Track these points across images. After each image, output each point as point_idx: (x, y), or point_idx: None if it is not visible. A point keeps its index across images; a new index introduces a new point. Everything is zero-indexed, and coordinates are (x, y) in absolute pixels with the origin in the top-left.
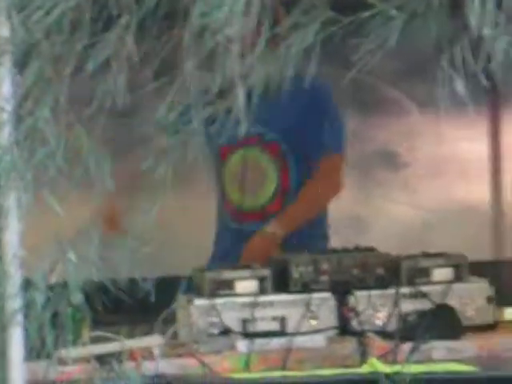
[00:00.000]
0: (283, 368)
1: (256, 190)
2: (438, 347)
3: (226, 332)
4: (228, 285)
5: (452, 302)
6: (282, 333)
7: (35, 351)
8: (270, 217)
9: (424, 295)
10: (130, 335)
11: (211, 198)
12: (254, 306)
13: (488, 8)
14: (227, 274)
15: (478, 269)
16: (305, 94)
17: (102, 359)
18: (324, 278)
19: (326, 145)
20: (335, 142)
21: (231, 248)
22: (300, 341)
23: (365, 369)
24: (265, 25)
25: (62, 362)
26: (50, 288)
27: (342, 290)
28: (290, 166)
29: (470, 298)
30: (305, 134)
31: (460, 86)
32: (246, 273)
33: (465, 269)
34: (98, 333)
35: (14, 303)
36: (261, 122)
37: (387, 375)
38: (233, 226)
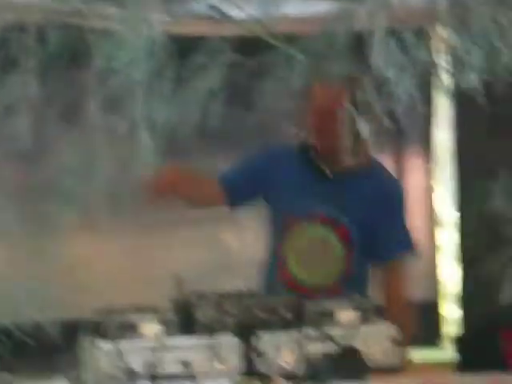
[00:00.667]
0: None
1: (321, 269)
2: None
3: (130, 375)
4: (133, 327)
5: (357, 344)
6: (187, 376)
7: None
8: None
9: (329, 337)
10: (34, 378)
11: (115, 243)
12: (159, 349)
13: (390, 49)
14: (132, 317)
15: (383, 311)
16: (382, 191)
17: None
18: (229, 319)
19: (399, 244)
20: (407, 242)
21: None
22: None
23: None
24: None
25: None
26: None
27: (247, 332)
28: (355, 254)
29: (375, 340)
30: (376, 230)
31: (364, 127)
32: (150, 316)
33: (370, 311)
34: (2, 376)
35: None
36: (333, 204)
37: None
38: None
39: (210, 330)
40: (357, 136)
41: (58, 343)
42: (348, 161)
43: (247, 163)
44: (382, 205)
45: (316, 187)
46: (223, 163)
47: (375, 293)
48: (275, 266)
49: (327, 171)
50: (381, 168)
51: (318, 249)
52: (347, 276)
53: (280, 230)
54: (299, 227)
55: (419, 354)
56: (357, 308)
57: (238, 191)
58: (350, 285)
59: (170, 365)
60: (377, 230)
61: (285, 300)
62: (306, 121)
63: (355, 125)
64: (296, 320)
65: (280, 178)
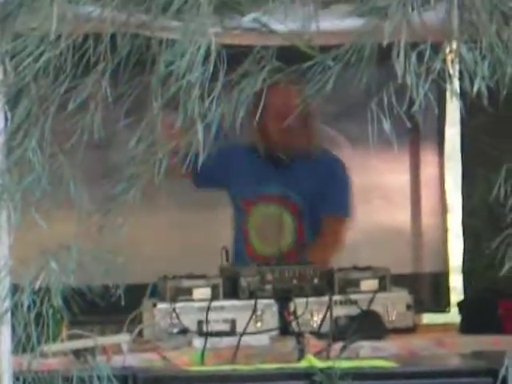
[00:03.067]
0: (233, 362)
1: (276, 241)
2: (365, 346)
3: (184, 331)
4: (186, 291)
5: (377, 308)
6: (231, 333)
7: (21, 346)
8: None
9: (353, 302)
10: (102, 333)
11: (172, 218)
12: (208, 310)
13: (411, 60)
14: (186, 282)
15: (400, 280)
16: (324, 167)
17: (77, 353)
18: (268, 286)
19: (336, 209)
20: (345, 208)
21: None
22: (247, 340)
23: (302, 364)
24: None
25: (44, 355)
26: (35, 292)
27: (283, 297)
28: (304, 223)
29: (392, 305)
30: (322, 197)
31: (386, 125)
32: (201, 281)
33: (388, 280)
34: (75, 331)
35: (3, 305)
36: (285, 185)
37: (321, 369)
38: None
39: (252, 294)
40: (305, 127)
41: (124, 304)
42: (297, 147)
43: (213, 156)
44: (326, 179)
45: (267, 173)
46: None
47: None
48: (241, 242)
49: (278, 158)
50: (325, 151)
51: (272, 224)
52: (298, 244)
53: (241, 212)
54: (256, 208)
55: (430, 319)
56: (377, 277)
57: (204, 174)
58: (301, 253)
59: (218, 323)
60: (321, 198)
61: (317, 270)
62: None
63: (306, 120)
64: (326, 287)
65: (237, 170)
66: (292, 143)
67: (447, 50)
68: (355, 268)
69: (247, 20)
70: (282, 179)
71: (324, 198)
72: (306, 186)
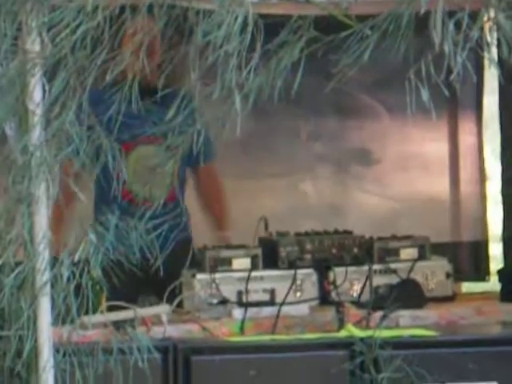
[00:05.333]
0: (273, 332)
1: (154, 182)
2: (405, 315)
3: (223, 302)
4: (226, 262)
5: (417, 277)
6: (271, 303)
7: (61, 317)
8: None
9: (393, 271)
10: (142, 304)
11: None
12: (248, 280)
13: (449, 28)
14: (225, 253)
15: (439, 249)
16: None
17: (117, 325)
18: (307, 256)
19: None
20: (210, 152)
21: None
22: (287, 309)
23: (342, 333)
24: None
25: (84, 326)
26: (74, 264)
27: (323, 267)
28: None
29: (432, 273)
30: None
31: (425, 94)
32: (241, 251)
33: (427, 249)
34: (115, 302)
35: (43, 277)
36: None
37: (361, 339)
38: (125, 207)
39: (292, 264)
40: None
41: (163, 275)
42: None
43: None
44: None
45: (145, 114)
46: (303, 124)
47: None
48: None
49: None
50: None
51: (150, 165)
52: (176, 184)
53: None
54: (132, 150)
55: (469, 287)
56: (417, 246)
57: None
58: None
59: (257, 293)
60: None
61: (356, 239)
62: None
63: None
64: (365, 256)
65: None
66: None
67: (485, 18)
68: (394, 237)
69: None
70: (157, 119)
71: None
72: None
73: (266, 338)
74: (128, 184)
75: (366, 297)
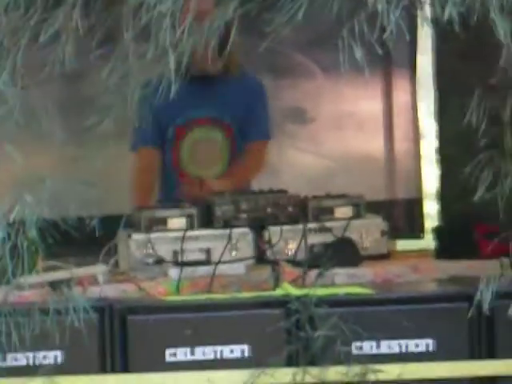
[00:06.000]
0: (209, 292)
1: (211, 163)
2: (340, 273)
3: (159, 262)
4: (161, 221)
5: (352, 235)
6: (207, 262)
7: None
8: None
9: (328, 230)
10: (78, 265)
11: None
12: (183, 239)
13: None
14: (160, 213)
15: (374, 207)
16: (250, 89)
17: (54, 285)
18: (243, 215)
19: (260, 134)
20: (265, 131)
21: None
22: (223, 269)
23: (278, 292)
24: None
25: (20, 287)
26: (9, 225)
27: (258, 226)
28: (237, 144)
29: (367, 232)
30: (248, 121)
31: (358, 53)
32: (176, 211)
33: (362, 207)
34: (51, 262)
35: None
36: (216, 107)
37: (297, 297)
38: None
39: (227, 223)
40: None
41: (98, 235)
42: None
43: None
44: (252, 102)
45: (198, 96)
46: None
47: None
48: (172, 174)
49: (204, 78)
50: (246, 73)
51: (206, 146)
52: (232, 164)
53: (172, 140)
54: (188, 133)
55: (404, 245)
56: (352, 205)
57: (151, 138)
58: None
59: (193, 253)
60: (247, 120)
61: (291, 198)
62: None
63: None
64: (300, 215)
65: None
66: (211, 61)
67: None
68: (329, 196)
69: None
70: (212, 101)
71: (250, 123)
72: (235, 108)
73: (202, 297)
74: (184, 166)
75: (301, 255)
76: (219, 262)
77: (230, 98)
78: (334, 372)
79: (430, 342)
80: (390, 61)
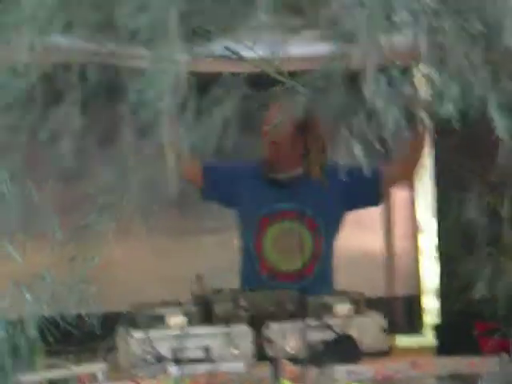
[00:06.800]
0: None
1: (294, 256)
2: (340, 370)
3: (159, 359)
4: (160, 319)
5: (352, 332)
6: (207, 359)
7: None
8: (305, 278)
9: (328, 327)
10: (78, 362)
11: (146, 247)
12: (183, 337)
13: (380, 84)
14: (160, 311)
15: (374, 304)
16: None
17: (53, 383)
18: (242, 312)
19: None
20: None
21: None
22: (223, 367)
23: None
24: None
25: None
26: (9, 323)
27: (258, 323)
28: (322, 237)
29: (367, 328)
30: (337, 215)
31: (357, 149)
32: (175, 309)
33: (362, 304)
34: (51, 360)
35: None
36: (300, 200)
37: None
38: (264, 282)
39: (226, 320)
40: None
41: (98, 332)
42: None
43: (221, 172)
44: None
45: (278, 191)
46: None
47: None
48: (253, 261)
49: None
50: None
51: (289, 239)
52: (316, 258)
53: (253, 230)
54: (271, 224)
55: (404, 341)
56: (351, 302)
57: (213, 189)
58: (319, 266)
59: (192, 350)
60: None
61: (290, 295)
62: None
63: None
64: (300, 312)
65: (248, 189)
66: (288, 164)
67: (416, 73)
68: (329, 293)
69: (217, 47)
70: (293, 197)
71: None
72: (319, 201)
73: None
74: (267, 257)
75: (301, 353)
76: (219, 361)
77: (312, 192)
78: None
79: None
80: (387, 157)
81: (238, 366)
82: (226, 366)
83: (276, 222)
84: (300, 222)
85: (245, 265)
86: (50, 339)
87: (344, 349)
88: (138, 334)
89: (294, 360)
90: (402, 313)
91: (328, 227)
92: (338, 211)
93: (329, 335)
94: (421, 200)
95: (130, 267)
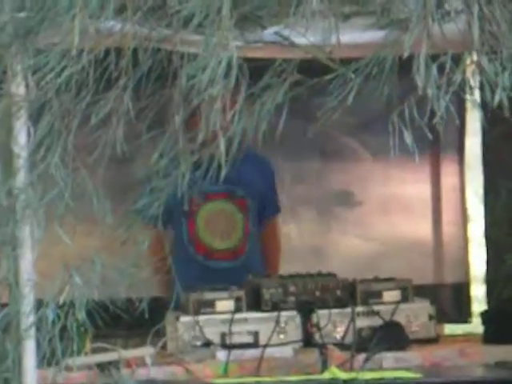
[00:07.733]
0: (256, 375)
1: (227, 235)
2: (388, 357)
3: (207, 344)
4: (209, 304)
5: (399, 319)
6: (255, 345)
7: (46, 360)
8: (239, 255)
9: (376, 313)
10: (126, 346)
11: None
12: (231, 322)
13: (432, 72)
14: (209, 295)
15: (421, 291)
16: (261, 166)
17: (102, 367)
18: (291, 298)
19: (274, 210)
20: (276, 206)
21: (198, 278)
22: (270, 352)
23: (326, 375)
24: (243, 85)
25: (69, 369)
26: (59, 307)
27: (306, 309)
28: (250, 217)
29: (415, 315)
30: (261, 195)
31: (407, 137)
32: (224, 293)
33: (410, 291)
34: (99, 344)
35: (28, 320)
36: (230, 181)
37: (345, 381)
38: (201, 262)
39: (275, 306)
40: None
41: (147, 317)
42: None
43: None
44: (263, 179)
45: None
46: (286, 166)
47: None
48: (188, 243)
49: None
50: (255, 153)
51: (222, 219)
52: (247, 237)
53: (188, 213)
54: (204, 206)
55: (452, 328)
56: (399, 288)
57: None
58: (249, 244)
59: (241, 335)
60: (263, 200)
61: (339, 281)
62: None
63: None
64: (348, 298)
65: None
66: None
67: (468, 62)
68: (377, 279)
69: (268, 33)
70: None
71: (266, 201)
72: (249, 183)
73: (250, 380)
74: (201, 237)
75: (349, 339)
76: (267, 345)
77: (242, 174)
78: None
79: None
80: (438, 144)
81: (286, 352)
82: (274, 352)
83: (209, 203)
84: (231, 202)
85: (180, 249)
86: (99, 323)
87: (392, 336)
88: (186, 319)
89: (341, 346)
90: (450, 300)
91: (256, 206)
92: (263, 189)
93: (377, 322)
94: (469, 188)
95: None
